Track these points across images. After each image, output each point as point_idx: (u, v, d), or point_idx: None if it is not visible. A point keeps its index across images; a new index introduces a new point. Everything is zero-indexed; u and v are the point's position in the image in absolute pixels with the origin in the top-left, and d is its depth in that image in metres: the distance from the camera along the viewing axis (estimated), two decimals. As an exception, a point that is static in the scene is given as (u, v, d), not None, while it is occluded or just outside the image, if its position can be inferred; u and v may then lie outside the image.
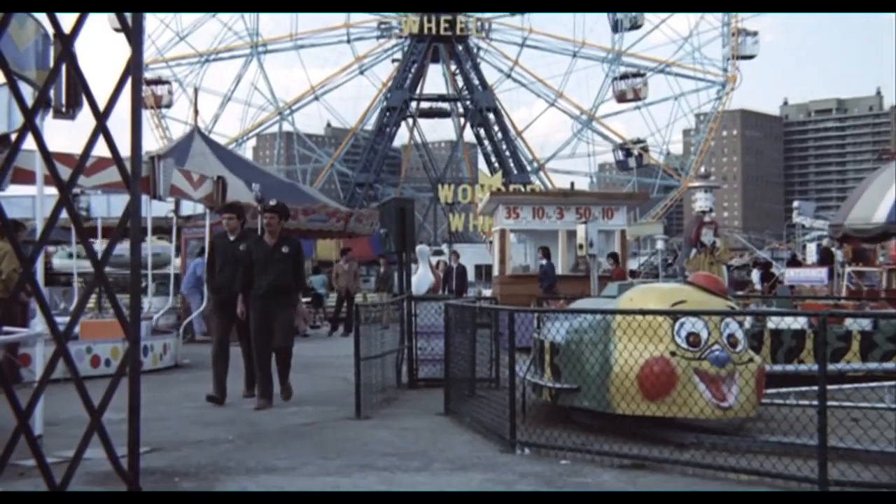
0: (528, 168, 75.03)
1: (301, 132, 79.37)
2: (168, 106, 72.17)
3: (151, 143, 62.47)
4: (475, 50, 74.74)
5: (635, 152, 75.39)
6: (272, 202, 9.74)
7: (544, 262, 19.07)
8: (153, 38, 71.20)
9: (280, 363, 9.73)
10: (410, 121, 76.91)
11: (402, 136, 79.86)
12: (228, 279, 9.71)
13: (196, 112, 25.35)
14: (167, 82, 72.18)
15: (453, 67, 74.43)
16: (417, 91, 75.54)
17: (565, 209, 19.97)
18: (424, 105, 76.84)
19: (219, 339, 9.87)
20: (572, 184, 29.63)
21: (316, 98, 75.39)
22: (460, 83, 74.92)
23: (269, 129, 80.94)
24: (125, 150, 2.65)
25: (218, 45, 74.20)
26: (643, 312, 7.22)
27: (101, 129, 2.42)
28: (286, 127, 77.64)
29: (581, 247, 17.06)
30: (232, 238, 9.88)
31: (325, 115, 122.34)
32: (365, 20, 74.08)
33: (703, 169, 30.62)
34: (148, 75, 67.92)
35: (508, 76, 75.47)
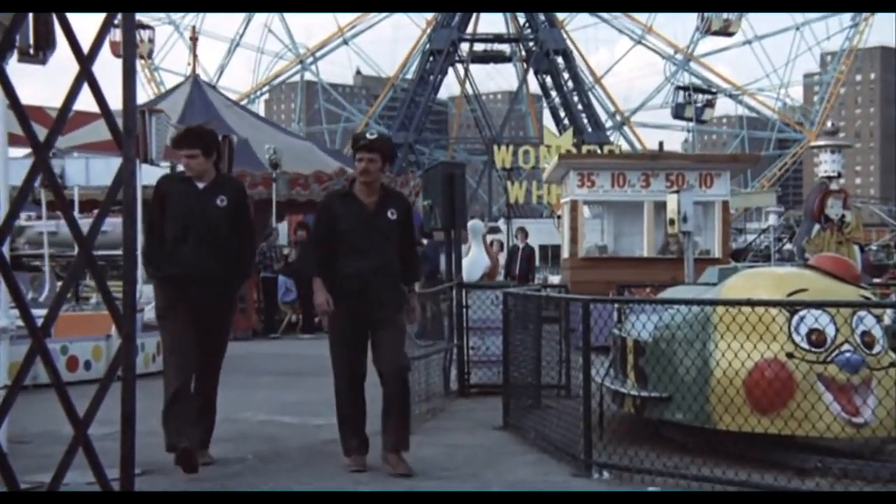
0: (610, 123, 74.72)
1: (326, 83, 79.75)
2: (147, 56, 72.70)
3: (141, 98, 63.34)
4: None
5: (697, 101, 74.44)
6: (369, 134, 7.64)
7: (425, 242, 19.22)
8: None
9: (394, 400, 7.47)
10: (460, 67, 76.81)
11: (449, 87, 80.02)
12: (195, 253, 7.38)
13: (195, 57, 25.55)
14: (148, 27, 72.88)
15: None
16: (468, 30, 75.63)
17: (652, 175, 19.89)
18: (478, 47, 76.71)
19: (179, 361, 7.38)
20: (661, 144, 29.48)
21: (345, 42, 76.56)
22: (522, 20, 74.53)
23: (288, 81, 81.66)
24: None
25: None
26: (752, 303, 7.17)
27: (85, 75, 2.44)
28: (308, 78, 78.20)
29: (672, 222, 16.94)
30: (201, 185, 7.58)
31: (355, 62, 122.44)
32: None
33: (829, 123, 30.12)
34: None
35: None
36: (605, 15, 75.05)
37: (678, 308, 7.82)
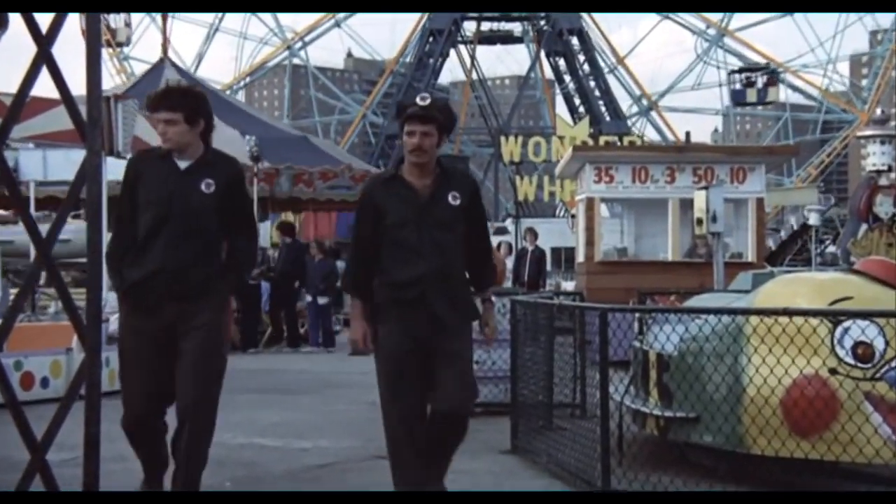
0: (635, 108, 74.49)
1: (314, 69, 79.67)
2: (123, 44, 72.53)
3: (107, 86, 63.34)
4: None
5: (758, 81, 74.39)
6: (421, 99, 6.65)
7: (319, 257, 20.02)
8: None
9: (445, 445, 6.65)
10: (464, 49, 77.07)
11: (451, 71, 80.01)
12: (168, 250, 6.50)
13: (165, 39, 25.56)
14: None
15: None
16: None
17: (678, 169, 19.84)
18: (484, 27, 76.70)
19: (144, 395, 6.62)
20: (688, 135, 29.25)
21: (337, 25, 76.46)
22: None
23: (271, 65, 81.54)
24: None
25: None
26: (790, 313, 7.17)
27: (44, 57, 2.44)
28: (295, 61, 78.27)
29: (700, 222, 16.88)
30: (183, 164, 6.67)
31: (348, 45, 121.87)
32: None
33: (878, 111, 30.09)
34: None
35: None
36: None
37: (707, 318, 7.80)
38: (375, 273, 6.50)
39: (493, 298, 7.01)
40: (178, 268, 6.40)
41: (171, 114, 6.48)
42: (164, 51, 25.91)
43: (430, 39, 74.99)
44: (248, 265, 7.01)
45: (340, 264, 25.83)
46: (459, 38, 76.31)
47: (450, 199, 6.51)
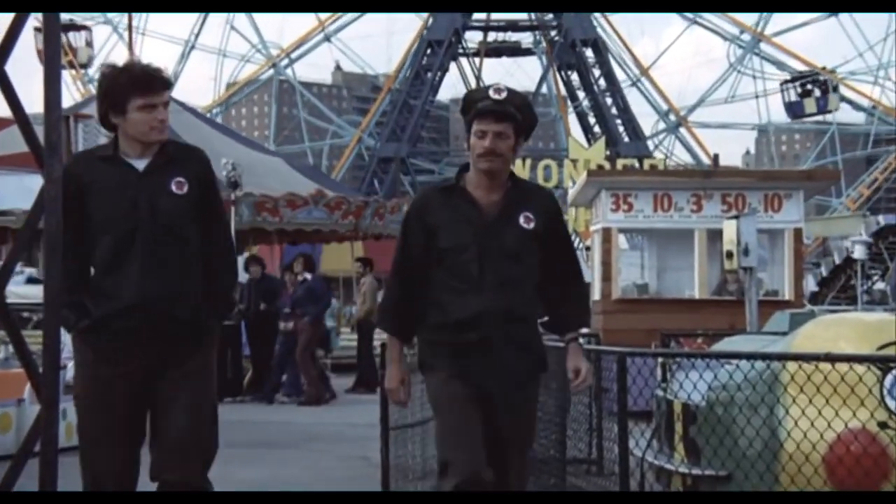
0: (662, 124, 74.07)
1: (302, 90, 79.24)
2: (86, 65, 71.77)
3: (66, 102, 63.10)
4: None
5: (816, 90, 73.94)
6: (495, 91, 6.00)
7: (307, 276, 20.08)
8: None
9: None
10: (465, 62, 76.95)
11: (452, 87, 79.88)
12: (144, 279, 5.82)
13: (132, 54, 25.75)
14: (83, 27, 71.86)
15: None
16: (476, 15, 75.56)
17: (705, 196, 19.74)
18: (489, 38, 76.62)
19: (115, 472, 5.97)
20: (716, 157, 29.26)
21: (327, 39, 76.27)
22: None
23: (257, 88, 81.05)
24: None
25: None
26: (833, 359, 7.11)
27: (-5, 74, 2.43)
28: (280, 76, 77.71)
29: (730, 255, 16.70)
30: (140, 164, 5.95)
31: (345, 64, 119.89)
32: None
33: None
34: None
35: None
36: None
37: (739, 363, 7.72)
38: (420, 308, 6.00)
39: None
40: (160, 297, 5.77)
41: (167, 94, 5.92)
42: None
43: (429, 51, 74.80)
44: (232, 289, 6.37)
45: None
46: (461, 50, 75.98)
47: (521, 220, 5.94)
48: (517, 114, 5.87)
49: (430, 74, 75.46)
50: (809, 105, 74.77)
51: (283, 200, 24.19)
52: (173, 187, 5.83)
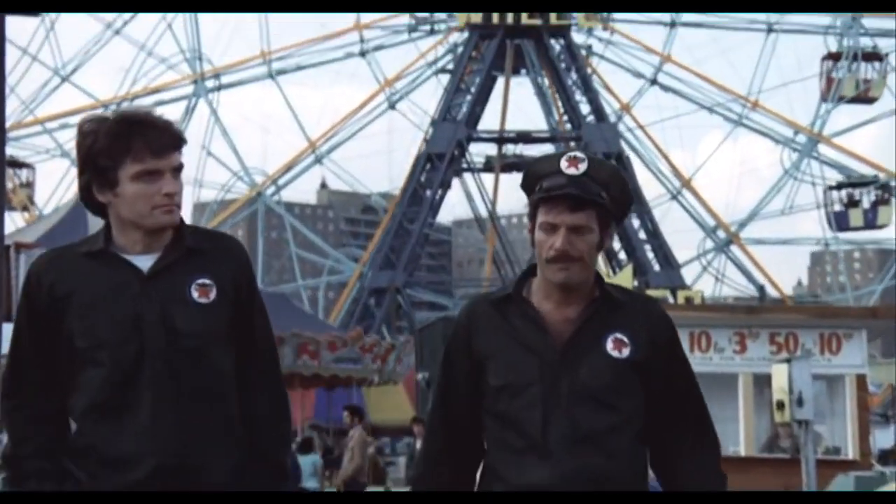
0: (709, 243, 70.83)
1: (293, 221, 76.20)
2: (29, 202, 67.24)
3: (7, 229, 59.07)
4: (584, 51, 72.87)
5: (863, 199, 69.67)
6: (570, 160, 4.50)
7: None
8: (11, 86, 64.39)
9: None
10: (470, 178, 73.44)
11: (453, 207, 77.98)
12: (178, 435, 4.37)
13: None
14: (26, 165, 68.80)
15: (541, 81, 72.23)
16: (482, 125, 73.72)
17: (750, 336, 19.85)
18: (491, 148, 73.96)
19: None
20: (762, 290, 28.61)
21: (318, 161, 72.94)
22: (558, 109, 72.78)
23: (241, 216, 76.37)
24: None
25: (134, 87, 70.08)
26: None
27: None
28: (266, 201, 72.99)
29: (781, 405, 16.64)
30: (145, 262, 4.46)
31: (332, 182, 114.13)
32: (388, 17, 71.94)
33: None
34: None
35: (654, 82, 73.05)
36: (682, 87, 72.64)
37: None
38: (468, 469, 4.60)
39: None
40: (182, 466, 4.29)
41: (178, 156, 4.41)
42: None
43: (428, 167, 71.34)
44: (283, 449, 4.72)
45: (311, 459, 24.85)
46: (465, 165, 72.85)
47: (610, 345, 4.47)
48: (603, 194, 4.39)
49: (429, 192, 71.71)
50: (855, 217, 70.08)
51: (325, 342, 24.36)
52: (194, 293, 4.39)
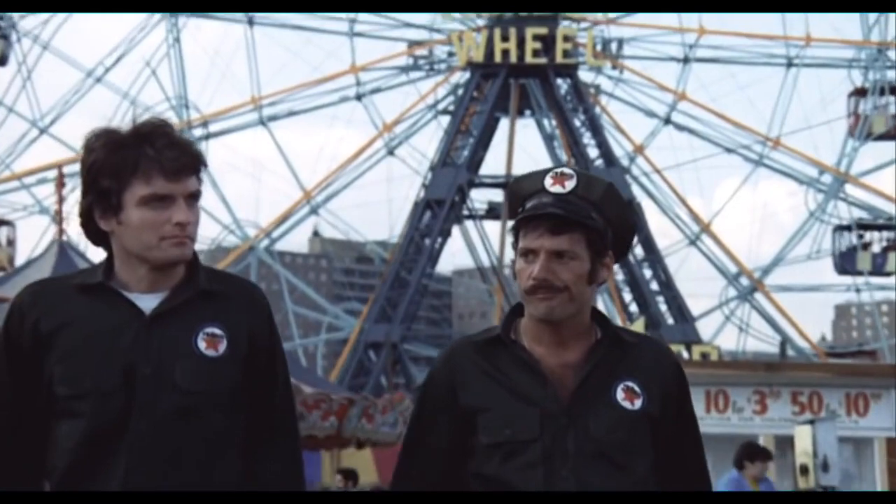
0: (732, 290, 69.05)
1: (290, 276, 74.75)
2: (8, 263, 65.48)
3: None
4: (593, 89, 71.33)
5: (872, 243, 67.26)
6: (556, 177, 4.40)
7: None
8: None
9: None
10: (471, 225, 71.30)
11: (454, 256, 75.57)
12: (138, 474, 4.13)
13: (60, 221, 24.10)
14: (6, 223, 67.24)
15: (547, 123, 70.93)
16: (484, 169, 71.72)
17: (771, 394, 20.12)
18: (499, 197, 71.73)
19: None
20: (783, 345, 27.05)
21: (314, 212, 71.52)
22: (562, 151, 70.94)
23: (232, 270, 76.48)
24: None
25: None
26: None
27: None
28: (259, 253, 71.59)
29: (805, 470, 16.98)
30: (148, 303, 4.22)
31: (325, 229, 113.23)
32: (385, 57, 71.30)
33: None
34: None
35: (667, 121, 71.09)
36: (701, 128, 70.77)
37: None
38: None
39: None
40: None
41: (196, 182, 4.09)
42: (59, 233, 24.08)
43: (427, 213, 69.45)
44: None
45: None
46: (466, 211, 70.84)
47: (620, 395, 4.13)
48: (594, 214, 4.12)
49: (427, 241, 69.80)
50: (863, 260, 67.40)
51: (380, 405, 23.85)
52: (201, 344, 4.05)
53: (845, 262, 68.01)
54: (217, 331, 4.05)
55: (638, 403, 4.14)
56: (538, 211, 4.03)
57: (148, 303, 3.98)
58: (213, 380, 4.01)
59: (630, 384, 4.14)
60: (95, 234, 4.06)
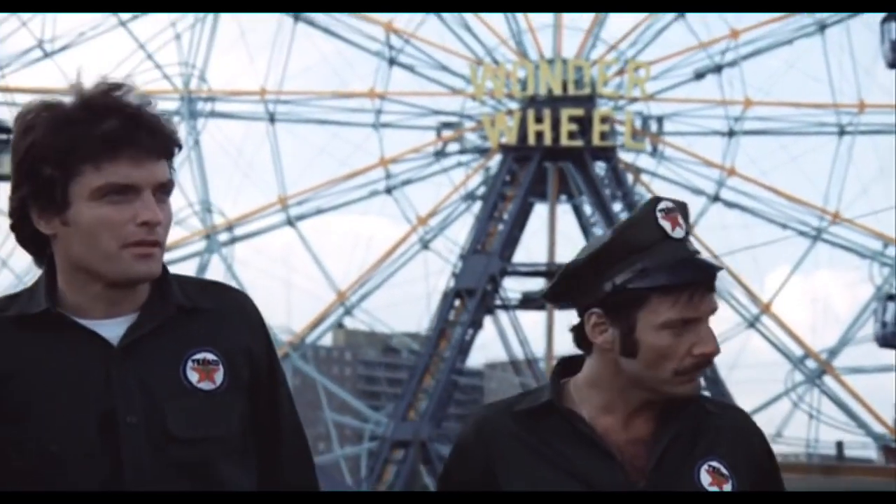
0: (798, 375, 65.89)
1: (327, 383, 72.56)
2: None
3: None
4: (634, 170, 69.29)
5: None
6: (667, 217, 3.39)
7: None
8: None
9: None
10: (504, 315, 68.93)
11: (485, 347, 72.55)
12: None
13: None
14: None
15: (585, 209, 68.81)
16: (517, 256, 69.48)
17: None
18: (534, 285, 69.69)
19: None
20: (840, 445, 25.29)
21: (348, 313, 69.56)
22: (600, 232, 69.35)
23: None
24: None
25: None
26: None
27: None
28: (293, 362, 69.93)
29: None
30: (112, 331, 3.10)
31: (348, 321, 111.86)
32: (415, 148, 69.73)
33: None
34: None
35: (716, 199, 68.60)
36: (753, 204, 67.90)
37: None
38: None
39: None
40: None
41: (166, 169, 3.18)
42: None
43: (456, 303, 67.37)
44: None
45: None
46: (498, 302, 68.89)
47: (706, 479, 3.38)
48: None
49: (458, 332, 67.58)
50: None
51: None
52: (192, 376, 3.18)
53: (886, 337, 62.47)
54: (209, 356, 3.23)
55: (727, 487, 3.45)
56: (696, 274, 3.28)
57: (112, 330, 3.14)
58: (216, 421, 3.20)
59: (715, 464, 3.47)
60: (31, 240, 3.22)
